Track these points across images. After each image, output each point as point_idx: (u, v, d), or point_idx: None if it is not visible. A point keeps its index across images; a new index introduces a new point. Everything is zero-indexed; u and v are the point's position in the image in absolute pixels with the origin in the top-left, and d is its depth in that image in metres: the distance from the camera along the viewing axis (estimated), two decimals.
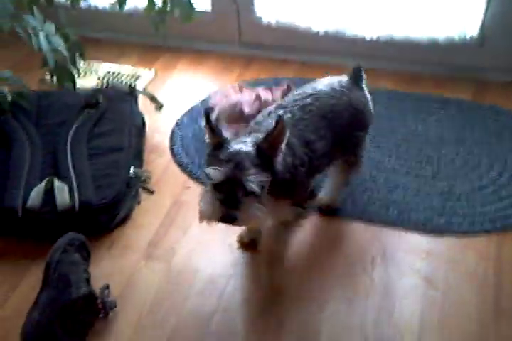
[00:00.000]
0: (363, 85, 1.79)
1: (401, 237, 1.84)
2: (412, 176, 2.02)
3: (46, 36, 1.82)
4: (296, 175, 1.54)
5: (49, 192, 1.82)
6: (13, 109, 2.07)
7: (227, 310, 1.66)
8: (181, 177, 2.08)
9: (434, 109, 2.29)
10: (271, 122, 1.48)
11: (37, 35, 1.82)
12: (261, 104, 2.11)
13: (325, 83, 1.74)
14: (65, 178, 1.86)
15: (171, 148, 2.18)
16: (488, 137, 2.15)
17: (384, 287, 1.70)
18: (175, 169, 2.11)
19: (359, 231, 1.86)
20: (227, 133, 1.47)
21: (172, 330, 1.61)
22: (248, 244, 1.84)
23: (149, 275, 1.78)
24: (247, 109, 2.09)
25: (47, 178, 1.85)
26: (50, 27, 1.87)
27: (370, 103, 1.80)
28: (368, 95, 1.80)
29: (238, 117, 2.10)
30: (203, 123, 1.47)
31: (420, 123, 2.22)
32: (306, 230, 1.85)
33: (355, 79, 1.78)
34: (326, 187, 1.91)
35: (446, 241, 1.82)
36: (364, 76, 1.81)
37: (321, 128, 1.62)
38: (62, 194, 1.82)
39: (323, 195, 1.91)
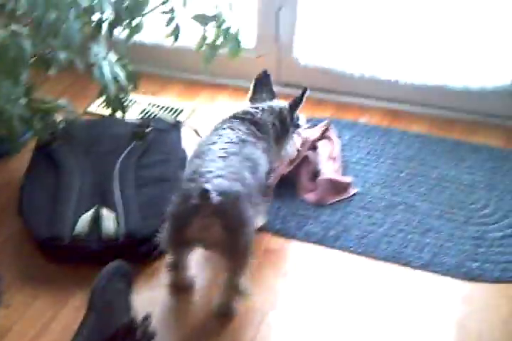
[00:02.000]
0: None
1: (435, 281, 1.88)
2: (445, 220, 2.07)
3: (109, 66, 1.89)
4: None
5: (96, 221, 1.89)
6: (64, 137, 2.14)
7: None
8: None
9: (466, 154, 2.35)
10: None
11: (99, 65, 1.88)
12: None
13: None
14: (111, 207, 1.93)
15: None
16: None
17: (417, 331, 1.73)
18: None
19: (393, 274, 1.91)
20: None
21: None
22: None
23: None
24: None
25: (95, 207, 1.92)
26: (113, 57, 1.94)
27: None
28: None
29: None
30: None
31: (453, 168, 2.28)
32: (335, 269, 1.92)
33: None
34: None
35: (479, 287, 1.86)
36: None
37: None
38: (109, 223, 1.87)
39: None
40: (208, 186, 1.50)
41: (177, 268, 1.78)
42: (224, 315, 1.74)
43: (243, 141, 1.75)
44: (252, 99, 1.97)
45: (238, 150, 1.70)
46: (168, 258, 1.79)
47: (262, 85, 1.98)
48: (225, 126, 1.81)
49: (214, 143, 1.73)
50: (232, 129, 1.79)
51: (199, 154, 1.71)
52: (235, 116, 1.87)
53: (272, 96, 1.99)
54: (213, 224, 1.55)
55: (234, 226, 1.58)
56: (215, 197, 1.49)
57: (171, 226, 1.65)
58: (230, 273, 1.68)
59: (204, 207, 1.51)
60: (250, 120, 1.84)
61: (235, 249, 1.62)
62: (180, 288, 1.84)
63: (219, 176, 1.57)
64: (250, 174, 1.67)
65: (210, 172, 1.59)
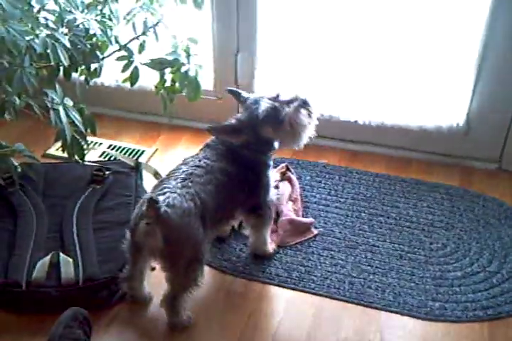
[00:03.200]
0: None
1: (397, 321, 1.88)
2: (406, 260, 2.09)
3: (65, 110, 1.88)
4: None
5: (54, 266, 1.85)
6: (20, 181, 2.11)
7: None
8: None
9: (424, 194, 2.39)
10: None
11: (56, 109, 1.88)
12: None
13: None
14: (70, 252, 1.89)
15: None
16: (477, 224, 2.24)
17: None
18: None
19: (356, 314, 1.91)
20: None
21: None
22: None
23: None
24: None
25: (52, 252, 1.88)
26: (69, 101, 1.94)
27: None
28: None
29: None
30: None
31: (412, 208, 2.31)
32: (299, 310, 1.91)
33: None
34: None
35: (441, 326, 1.87)
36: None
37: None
38: (67, 268, 1.84)
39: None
40: (156, 196, 1.65)
41: (131, 279, 1.85)
42: (172, 328, 1.84)
43: (211, 166, 1.82)
44: (240, 102, 1.94)
45: (202, 173, 1.79)
46: (125, 270, 1.86)
47: (238, 94, 1.95)
48: (201, 152, 1.91)
49: (185, 163, 1.85)
50: (205, 154, 1.87)
51: (169, 172, 1.84)
52: (207, 145, 1.92)
53: (245, 99, 1.92)
54: (155, 231, 1.66)
55: (174, 238, 1.68)
56: (162, 207, 1.63)
57: (129, 230, 1.78)
58: (170, 288, 1.77)
59: (150, 214, 1.65)
60: (222, 148, 1.88)
61: (175, 261, 1.72)
62: (135, 301, 1.90)
63: (174, 192, 1.70)
64: (209, 198, 1.76)
65: (168, 187, 1.73)
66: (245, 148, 1.88)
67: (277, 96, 1.87)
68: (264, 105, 1.83)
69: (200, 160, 1.84)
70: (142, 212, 1.68)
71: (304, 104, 1.85)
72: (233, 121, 1.88)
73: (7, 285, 1.81)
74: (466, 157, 2.57)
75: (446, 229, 2.22)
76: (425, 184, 2.44)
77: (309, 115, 1.86)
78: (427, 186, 2.43)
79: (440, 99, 2.49)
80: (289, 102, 1.85)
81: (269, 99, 1.86)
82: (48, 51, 1.83)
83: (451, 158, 2.58)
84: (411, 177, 2.47)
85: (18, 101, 1.86)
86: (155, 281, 1.93)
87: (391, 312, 1.91)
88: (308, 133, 1.90)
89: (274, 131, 1.86)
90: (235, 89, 1.99)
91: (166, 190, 1.71)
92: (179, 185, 1.73)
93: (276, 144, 1.94)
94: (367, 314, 1.90)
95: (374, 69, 2.47)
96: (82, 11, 1.95)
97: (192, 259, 1.73)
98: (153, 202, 1.62)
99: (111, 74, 2.55)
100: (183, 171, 1.79)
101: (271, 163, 1.98)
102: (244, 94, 1.93)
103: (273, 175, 2.06)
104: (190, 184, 1.74)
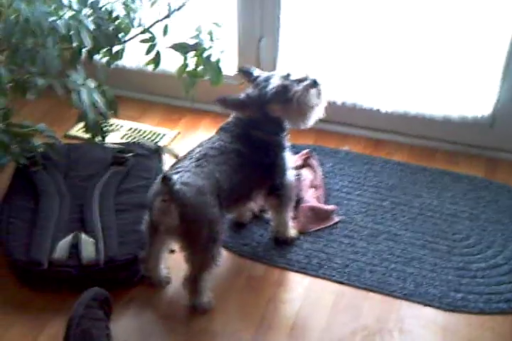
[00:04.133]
0: None
1: (418, 311, 1.86)
2: (428, 250, 2.06)
3: (87, 92, 1.88)
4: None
5: (75, 246, 1.85)
6: (43, 161, 2.11)
7: None
8: None
9: (448, 184, 2.35)
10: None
11: (78, 91, 1.87)
12: None
13: None
14: (91, 232, 1.89)
15: None
16: (501, 215, 2.21)
17: None
18: None
19: (376, 303, 1.89)
20: None
21: None
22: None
23: (166, 335, 1.79)
24: None
25: (74, 232, 1.88)
26: (91, 83, 1.93)
27: None
28: None
29: None
30: None
31: (435, 198, 2.28)
32: (319, 297, 1.90)
33: None
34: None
35: (463, 318, 1.84)
36: None
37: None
38: (88, 248, 1.84)
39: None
40: (170, 174, 1.67)
41: (148, 260, 1.86)
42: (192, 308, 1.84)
43: (225, 147, 1.84)
44: (251, 82, 1.91)
45: (216, 154, 1.80)
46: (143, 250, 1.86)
47: (249, 73, 1.93)
48: (215, 135, 1.91)
49: (200, 146, 1.85)
50: (219, 137, 1.88)
51: (187, 153, 1.85)
52: (222, 128, 1.93)
53: (255, 78, 1.90)
54: (170, 209, 1.67)
55: (190, 216, 1.69)
56: (176, 185, 1.64)
57: (148, 209, 1.78)
58: (190, 268, 1.78)
59: (165, 192, 1.66)
60: (236, 130, 1.88)
61: (192, 239, 1.73)
62: (152, 282, 1.91)
63: (188, 171, 1.72)
64: (224, 177, 1.77)
65: (183, 167, 1.75)
66: (257, 129, 1.88)
67: (288, 75, 1.86)
68: (275, 82, 1.83)
69: (214, 142, 1.85)
70: (158, 190, 1.70)
71: (314, 83, 1.84)
72: (242, 95, 1.87)
73: (29, 263, 1.81)
74: (491, 148, 2.52)
75: (470, 219, 2.19)
76: (449, 174, 2.40)
77: (318, 95, 1.86)
78: (451, 176, 2.39)
79: (467, 90, 2.44)
80: (299, 81, 1.84)
81: (280, 77, 1.85)
82: (71, 33, 1.83)
83: (476, 149, 2.53)
84: (435, 167, 2.44)
85: (40, 81, 1.85)
86: (174, 265, 1.93)
87: (412, 301, 1.89)
88: (317, 114, 1.90)
89: (281, 109, 1.85)
90: (246, 68, 1.95)
91: (180, 170, 1.73)
92: (193, 164, 1.75)
93: (286, 125, 1.93)
94: (387, 303, 1.89)
95: (400, 57, 2.43)
96: None
97: (209, 237, 1.73)
98: (166, 180, 1.64)
99: (133, 57, 2.55)
100: (198, 152, 1.81)
101: (286, 144, 1.96)
102: (255, 72, 1.91)
103: (290, 157, 2.04)
104: (204, 163, 1.76)
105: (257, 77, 1.89)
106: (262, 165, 1.89)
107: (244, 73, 1.94)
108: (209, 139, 1.89)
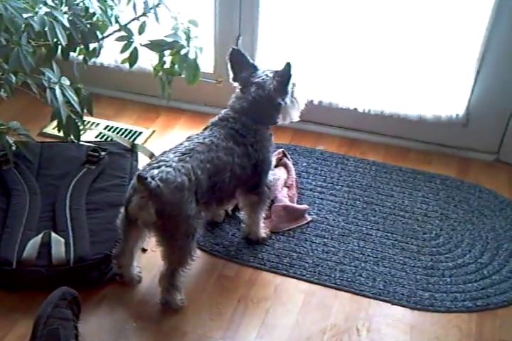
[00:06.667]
0: None
1: (387, 309, 1.89)
2: (398, 249, 2.09)
3: (61, 90, 1.87)
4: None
5: (45, 245, 1.85)
6: (15, 159, 2.10)
7: None
8: None
9: (421, 184, 2.38)
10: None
11: (52, 88, 1.86)
12: None
13: None
14: (62, 232, 1.89)
15: None
16: (471, 215, 2.24)
17: None
18: None
19: (346, 301, 1.91)
20: None
21: None
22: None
23: (137, 334, 1.79)
24: None
25: (44, 231, 1.88)
26: (65, 81, 1.92)
27: None
28: None
29: None
30: None
31: (406, 198, 2.31)
32: (289, 296, 1.92)
33: None
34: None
35: (430, 316, 1.87)
36: None
37: None
38: (59, 247, 1.84)
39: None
40: (144, 173, 1.68)
41: (122, 256, 1.86)
42: (164, 305, 1.85)
43: (216, 145, 1.83)
44: (235, 79, 1.98)
45: (205, 150, 1.80)
46: (117, 246, 1.87)
47: (238, 63, 1.97)
48: (207, 130, 1.92)
49: (189, 140, 1.85)
50: (211, 132, 1.88)
51: (174, 146, 1.85)
52: (215, 123, 1.93)
53: (254, 69, 1.97)
54: (147, 205, 1.69)
55: (167, 213, 1.70)
56: (152, 182, 1.65)
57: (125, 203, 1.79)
58: (166, 264, 1.79)
59: (141, 188, 1.68)
60: (230, 126, 1.90)
61: (169, 235, 1.75)
62: (124, 280, 1.91)
63: (169, 166, 1.72)
64: (205, 175, 1.77)
65: (164, 161, 1.74)
66: (249, 117, 1.91)
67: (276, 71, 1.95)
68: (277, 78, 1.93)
69: (205, 138, 1.84)
70: (135, 187, 1.71)
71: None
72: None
73: None
74: (465, 148, 2.56)
75: (441, 219, 2.22)
76: (422, 173, 2.43)
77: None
78: (424, 176, 2.42)
79: (441, 90, 2.47)
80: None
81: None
82: (46, 29, 1.82)
83: (449, 149, 2.57)
84: (408, 167, 2.46)
85: (14, 79, 1.85)
86: (146, 265, 1.94)
87: (381, 300, 1.91)
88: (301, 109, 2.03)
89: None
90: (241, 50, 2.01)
91: (161, 163, 1.73)
92: (176, 158, 1.75)
93: (277, 119, 1.99)
94: (356, 302, 1.91)
95: (375, 57, 2.45)
96: None
97: (186, 233, 1.75)
98: (142, 179, 1.65)
99: (110, 54, 2.54)
100: (184, 146, 1.81)
101: (272, 138, 2.01)
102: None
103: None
104: (188, 158, 1.75)
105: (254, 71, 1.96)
106: (251, 163, 1.90)
107: (237, 56, 1.97)
108: (199, 134, 1.88)
